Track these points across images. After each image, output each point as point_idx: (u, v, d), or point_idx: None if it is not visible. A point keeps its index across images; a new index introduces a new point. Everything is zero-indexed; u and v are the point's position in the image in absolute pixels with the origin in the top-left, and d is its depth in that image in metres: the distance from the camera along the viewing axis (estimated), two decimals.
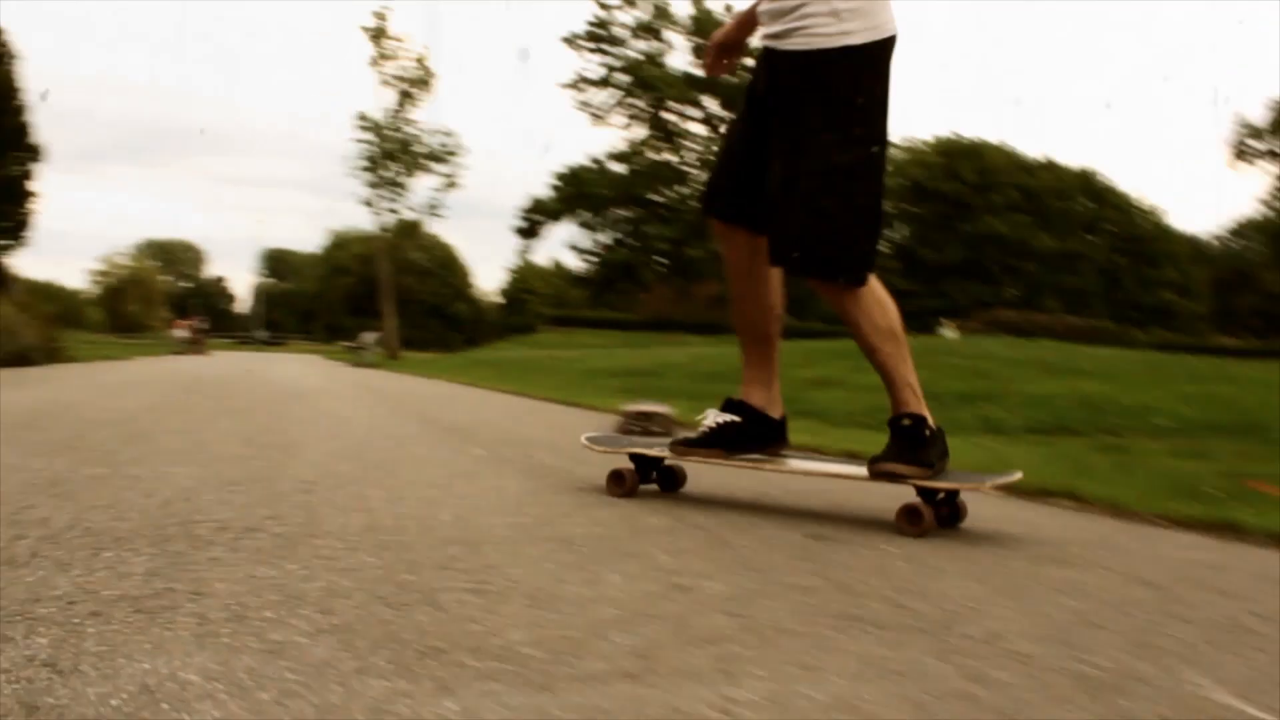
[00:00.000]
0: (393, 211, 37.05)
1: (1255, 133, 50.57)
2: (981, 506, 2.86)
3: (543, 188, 54.62)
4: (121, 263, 55.38)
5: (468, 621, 1.46)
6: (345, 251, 71.01)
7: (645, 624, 1.50)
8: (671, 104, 49.14)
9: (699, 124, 49.94)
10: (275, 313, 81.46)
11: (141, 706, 1.07)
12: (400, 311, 38.56)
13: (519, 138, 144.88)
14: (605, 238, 51.60)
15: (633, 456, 2.85)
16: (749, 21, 2.80)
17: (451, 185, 37.12)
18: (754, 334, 2.79)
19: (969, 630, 1.54)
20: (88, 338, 30.02)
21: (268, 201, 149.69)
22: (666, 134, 50.07)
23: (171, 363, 18.10)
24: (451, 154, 36.95)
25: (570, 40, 47.70)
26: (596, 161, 50.30)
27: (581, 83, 47.98)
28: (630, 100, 48.09)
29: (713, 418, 2.75)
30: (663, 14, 48.27)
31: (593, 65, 48.19)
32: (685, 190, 48.35)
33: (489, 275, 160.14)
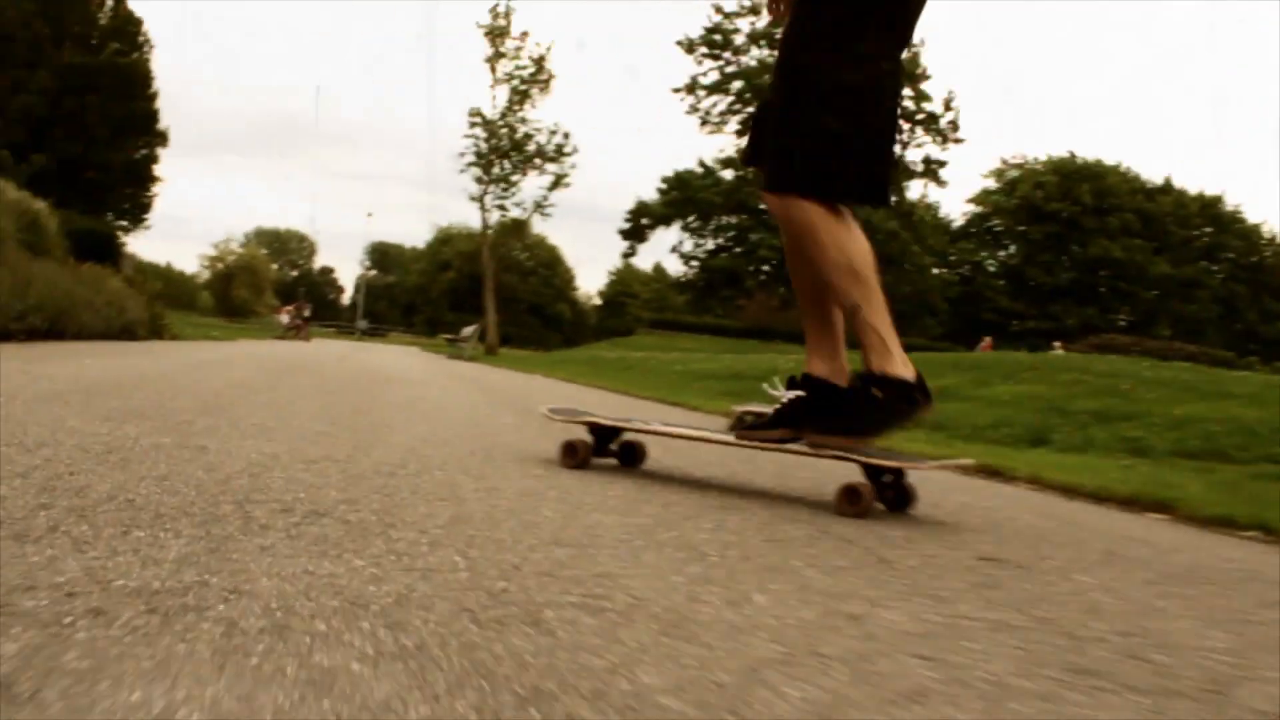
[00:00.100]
0: (501, 209, 36.87)
1: None
2: (1172, 536, 2.40)
3: (650, 191, 54.44)
4: (233, 249, 56.78)
5: (582, 651, 1.09)
6: (450, 247, 72.01)
7: (818, 667, 1.12)
8: None
9: None
10: (378, 305, 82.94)
11: None
12: (502, 309, 38.55)
13: (628, 138, 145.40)
14: (710, 244, 50.98)
15: (591, 427, 2.83)
16: None
17: (561, 184, 36.53)
18: (811, 299, 2.64)
19: (1250, 699, 1.15)
20: (196, 319, 30.75)
21: (378, 196, 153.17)
22: None
23: (269, 346, 18.20)
24: (565, 153, 36.50)
25: (685, 44, 47.13)
26: (705, 166, 49.68)
27: (696, 87, 47.33)
28: (743, 107, 47.32)
29: (784, 394, 2.59)
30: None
31: (706, 70, 47.50)
32: None
33: (591, 277, 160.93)
